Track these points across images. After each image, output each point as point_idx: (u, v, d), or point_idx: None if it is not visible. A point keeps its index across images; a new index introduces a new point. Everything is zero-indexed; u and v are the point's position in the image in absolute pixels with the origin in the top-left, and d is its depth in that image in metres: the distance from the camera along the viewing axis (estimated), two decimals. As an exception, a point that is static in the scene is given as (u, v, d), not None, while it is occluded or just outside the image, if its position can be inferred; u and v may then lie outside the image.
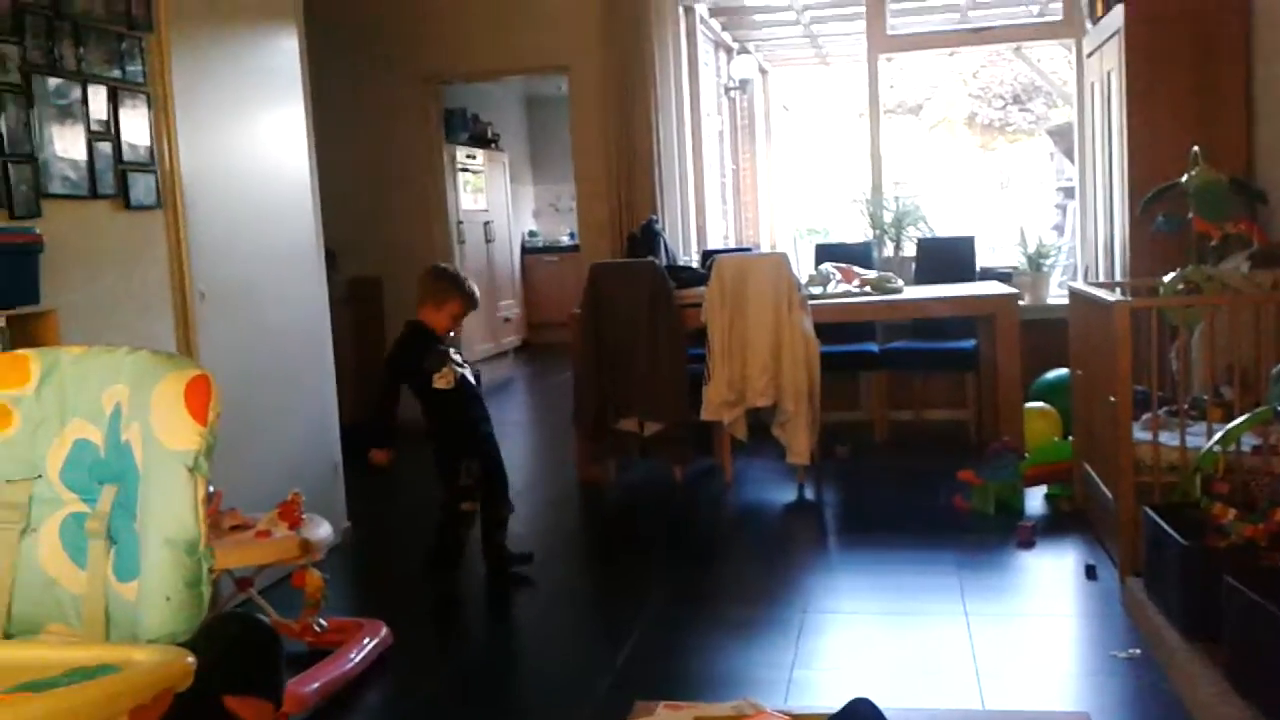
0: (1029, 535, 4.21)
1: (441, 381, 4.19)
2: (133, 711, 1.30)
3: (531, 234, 11.65)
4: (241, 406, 4.04)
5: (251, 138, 4.33)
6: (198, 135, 3.98)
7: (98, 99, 3.53)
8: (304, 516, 3.40)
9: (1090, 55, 5.91)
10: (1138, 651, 3.18)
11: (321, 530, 3.42)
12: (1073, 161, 6.94)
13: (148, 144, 3.76)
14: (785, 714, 1.85)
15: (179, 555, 1.48)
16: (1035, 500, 4.74)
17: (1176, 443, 3.72)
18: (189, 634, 1.49)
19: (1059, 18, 6.66)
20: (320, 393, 4.74)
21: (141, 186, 3.71)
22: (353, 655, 3.36)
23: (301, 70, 4.65)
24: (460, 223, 8.37)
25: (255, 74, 4.37)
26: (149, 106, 3.77)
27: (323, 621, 3.48)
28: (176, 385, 1.53)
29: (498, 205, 9.78)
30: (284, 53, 4.56)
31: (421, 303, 4.21)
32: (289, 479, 3.78)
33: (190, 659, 1.38)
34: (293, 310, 4.54)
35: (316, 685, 3.15)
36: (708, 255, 6.45)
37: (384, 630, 3.55)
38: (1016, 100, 14.19)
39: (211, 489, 3.35)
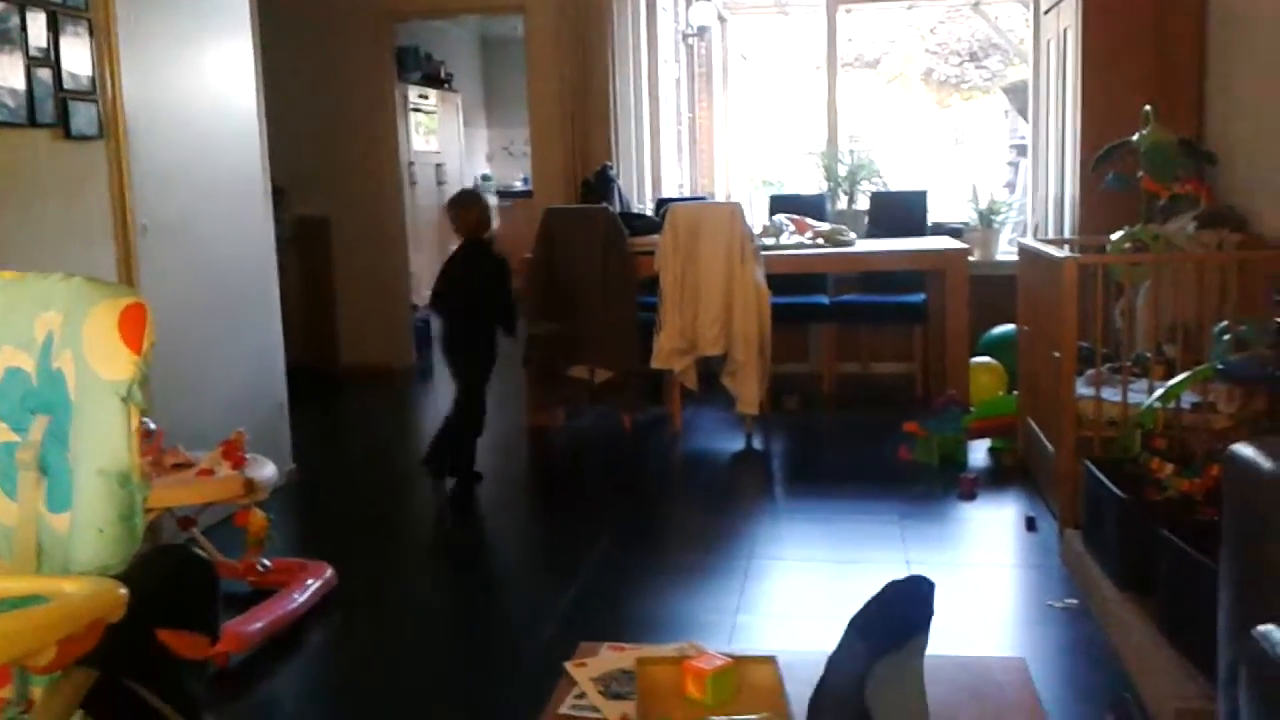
0: (971, 487, 4.27)
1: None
2: (62, 642, 1.27)
3: (485, 178, 11.52)
4: (183, 343, 3.99)
5: (198, 70, 4.22)
6: (142, 65, 3.88)
7: (36, 24, 3.42)
8: (248, 455, 3.36)
9: (1048, 12, 5.91)
10: (1074, 601, 3.24)
11: (266, 470, 3.38)
12: (1026, 119, 6.96)
13: (89, 72, 3.65)
14: (727, 655, 1.86)
15: (111, 486, 1.45)
16: (979, 453, 4.80)
17: (1118, 398, 3.77)
18: (122, 566, 1.46)
19: (1018, -27, 6.65)
20: (265, 331, 4.67)
21: (82, 116, 3.62)
22: (296, 595, 3.34)
23: (250, 1, 4.54)
24: (411, 164, 8.25)
25: (202, 5, 4.26)
26: (90, 34, 3.66)
27: (266, 562, 3.45)
28: (111, 312, 1.48)
29: (450, 147, 9.65)
30: (232, -17, 4.45)
31: (485, 226, 4.77)
32: (233, 418, 3.74)
33: (122, 590, 1.35)
34: (238, 246, 4.46)
35: (259, 625, 3.14)
36: (662, 204, 6.41)
37: (328, 571, 3.53)
38: (973, 58, 14.18)
39: (153, 426, 3.33)
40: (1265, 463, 2.00)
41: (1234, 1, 4.54)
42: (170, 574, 1.55)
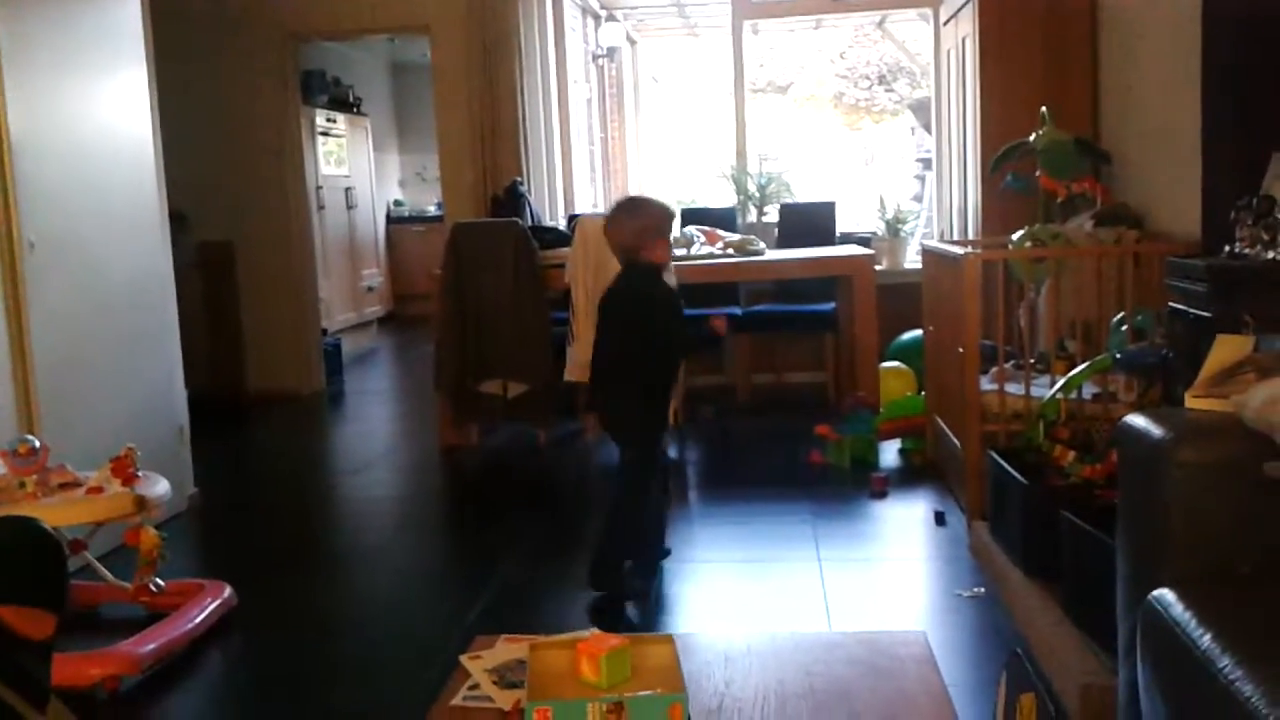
0: (882, 486, 4.28)
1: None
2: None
3: (397, 203, 11.41)
4: (74, 362, 3.87)
5: (88, 92, 4.12)
6: (28, 84, 3.77)
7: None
8: (139, 473, 3.25)
9: (947, 23, 6.02)
10: (982, 590, 3.25)
11: (158, 487, 3.27)
12: (930, 132, 7.08)
13: (-31, 87, 3.53)
14: (624, 636, 1.81)
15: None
16: (890, 454, 4.83)
17: (1022, 392, 3.82)
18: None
19: (919, -13, 6.78)
20: (163, 355, 4.54)
21: (-39, 130, 3.50)
22: (193, 615, 3.23)
23: (144, 25, 4.45)
24: (320, 188, 8.14)
25: (94, 29, 4.17)
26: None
27: (159, 581, 3.33)
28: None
29: (360, 171, 9.53)
30: (124, 4, 4.34)
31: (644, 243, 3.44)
32: (128, 440, 3.61)
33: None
34: (133, 269, 4.34)
35: (153, 646, 3.02)
36: (573, 219, 6.38)
37: (227, 591, 3.42)
38: (882, 80, 14.43)
39: (37, 444, 3.20)
40: (1156, 430, 2.02)
41: (1123, 3, 4.65)
42: (8, 545, 1.45)
